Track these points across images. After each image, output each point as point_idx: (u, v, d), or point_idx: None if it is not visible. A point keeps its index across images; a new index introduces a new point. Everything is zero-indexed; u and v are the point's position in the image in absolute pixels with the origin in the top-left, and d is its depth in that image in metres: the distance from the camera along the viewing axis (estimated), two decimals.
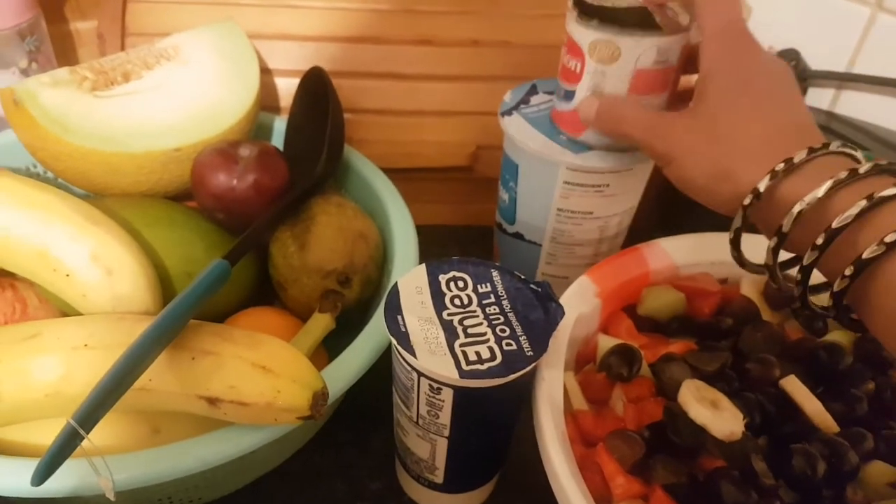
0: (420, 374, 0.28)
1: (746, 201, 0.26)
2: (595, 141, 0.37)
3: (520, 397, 0.30)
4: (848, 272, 0.22)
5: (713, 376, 0.31)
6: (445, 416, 0.29)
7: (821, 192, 0.23)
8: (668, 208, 0.46)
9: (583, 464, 0.28)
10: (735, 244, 0.28)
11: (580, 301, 0.34)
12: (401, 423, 0.32)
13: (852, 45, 0.56)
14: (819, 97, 0.59)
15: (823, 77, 0.57)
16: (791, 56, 0.57)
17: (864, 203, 0.22)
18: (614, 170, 0.38)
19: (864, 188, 0.23)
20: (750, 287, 0.37)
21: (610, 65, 0.34)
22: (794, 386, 0.31)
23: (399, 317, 0.29)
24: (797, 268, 0.25)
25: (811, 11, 0.57)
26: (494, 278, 0.31)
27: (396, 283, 0.30)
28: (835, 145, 0.25)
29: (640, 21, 0.33)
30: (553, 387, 0.30)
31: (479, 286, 0.31)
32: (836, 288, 0.23)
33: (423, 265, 0.31)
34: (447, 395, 0.28)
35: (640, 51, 0.33)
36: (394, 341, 0.28)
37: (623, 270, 0.36)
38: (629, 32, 0.33)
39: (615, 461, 0.28)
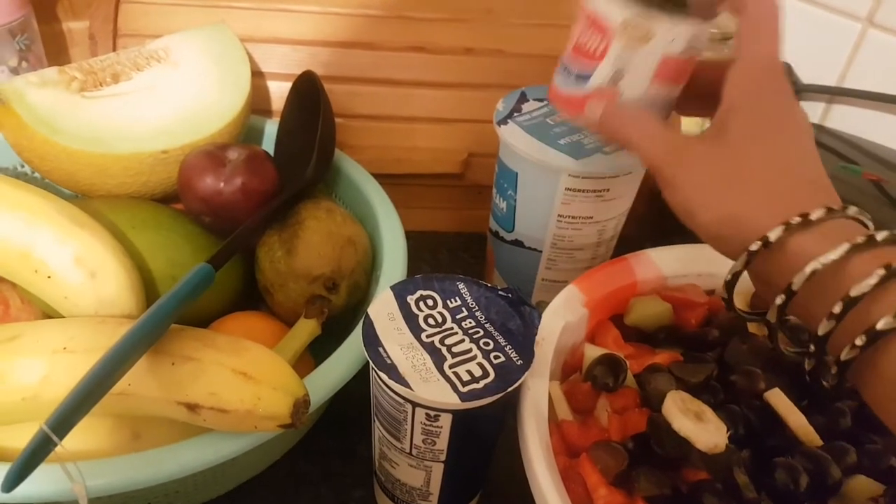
0: (415, 404, 0.27)
1: (754, 247, 0.25)
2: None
3: (507, 406, 0.30)
4: (859, 342, 0.22)
5: (698, 388, 0.31)
6: (443, 442, 0.28)
7: (836, 254, 0.22)
8: (660, 217, 0.46)
9: (566, 475, 0.28)
10: (730, 287, 0.27)
11: (567, 310, 0.34)
12: (388, 457, 0.31)
13: (843, 59, 0.56)
14: (810, 110, 0.59)
15: (815, 91, 0.58)
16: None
17: (882, 272, 0.21)
18: (615, 174, 0.37)
19: (881, 256, 0.22)
20: (737, 299, 0.37)
21: (639, 48, 0.31)
22: (778, 399, 0.31)
23: (380, 349, 0.27)
24: (808, 338, 0.24)
25: (804, 26, 0.58)
26: (462, 291, 0.30)
27: (368, 314, 0.29)
28: (852, 210, 0.24)
29: (677, 3, 0.30)
30: (538, 396, 0.30)
31: (448, 301, 0.30)
32: (843, 356, 0.22)
33: (389, 289, 0.30)
34: (445, 421, 0.27)
35: (673, 36, 0.31)
36: (383, 376, 0.26)
37: (610, 280, 0.36)
38: (666, 14, 0.30)
39: (598, 472, 0.28)
